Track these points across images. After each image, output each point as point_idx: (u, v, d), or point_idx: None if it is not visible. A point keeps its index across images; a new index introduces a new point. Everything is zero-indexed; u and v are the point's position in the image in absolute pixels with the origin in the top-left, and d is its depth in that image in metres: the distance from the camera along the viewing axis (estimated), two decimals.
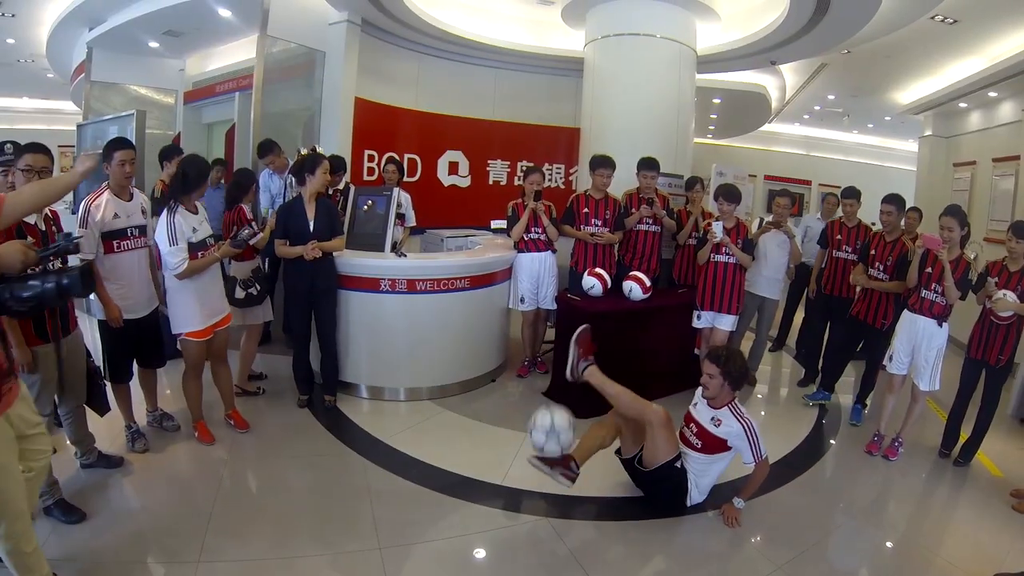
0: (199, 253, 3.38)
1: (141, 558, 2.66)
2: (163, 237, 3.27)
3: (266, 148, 5.14)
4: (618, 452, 3.41)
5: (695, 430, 3.25)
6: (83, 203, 3.20)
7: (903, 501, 3.92)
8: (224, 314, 3.63)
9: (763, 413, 5.06)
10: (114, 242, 3.24)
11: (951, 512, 3.89)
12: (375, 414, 4.20)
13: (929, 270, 4.05)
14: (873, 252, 4.54)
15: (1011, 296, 3.76)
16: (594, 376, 3.29)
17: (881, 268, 4.50)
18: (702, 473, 3.24)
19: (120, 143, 3.30)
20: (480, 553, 2.96)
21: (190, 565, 2.59)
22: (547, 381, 4.85)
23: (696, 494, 3.25)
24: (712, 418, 3.21)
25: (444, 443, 3.88)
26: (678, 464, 3.19)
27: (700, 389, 3.32)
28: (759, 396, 5.34)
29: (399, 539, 2.92)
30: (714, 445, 3.19)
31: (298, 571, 2.65)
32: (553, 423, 3.11)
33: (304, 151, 4.97)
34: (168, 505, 3.05)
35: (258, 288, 4.10)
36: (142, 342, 3.46)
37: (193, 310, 3.43)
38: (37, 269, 2.23)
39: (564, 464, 3.11)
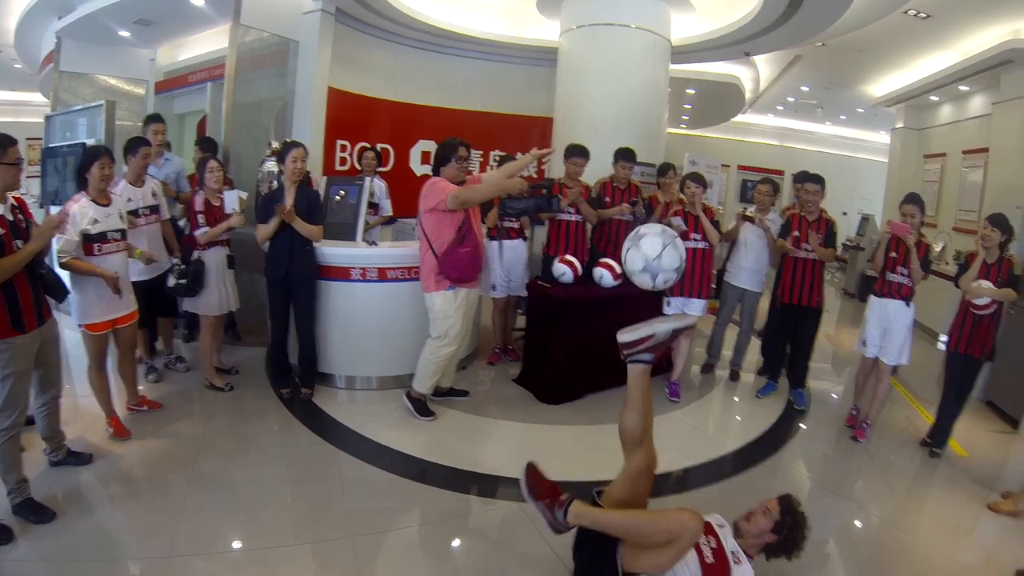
0: (96, 245, 3.31)
1: (114, 556, 2.59)
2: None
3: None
4: (599, 492, 2.74)
5: (714, 545, 2.57)
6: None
7: (871, 481, 4.01)
8: (128, 311, 3.52)
9: (735, 398, 5.15)
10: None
11: (918, 492, 3.98)
12: (348, 403, 4.19)
13: (893, 254, 4.22)
14: (796, 233, 4.62)
15: (986, 283, 3.87)
16: (584, 516, 2.49)
17: (808, 249, 4.57)
18: None
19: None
20: (452, 540, 2.96)
21: (163, 560, 2.55)
22: (518, 368, 4.88)
23: None
24: (734, 551, 2.61)
25: (416, 431, 3.88)
26: None
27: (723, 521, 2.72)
28: (730, 378, 5.44)
29: (371, 527, 2.91)
30: (720, 570, 2.53)
31: (271, 562, 2.63)
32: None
33: (276, 145, 4.92)
34: (140, 500, 3.00)
35: (186, 280, 3.97)
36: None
37: (92, 303, 3.34)
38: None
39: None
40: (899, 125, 9.84)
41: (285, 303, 4.04)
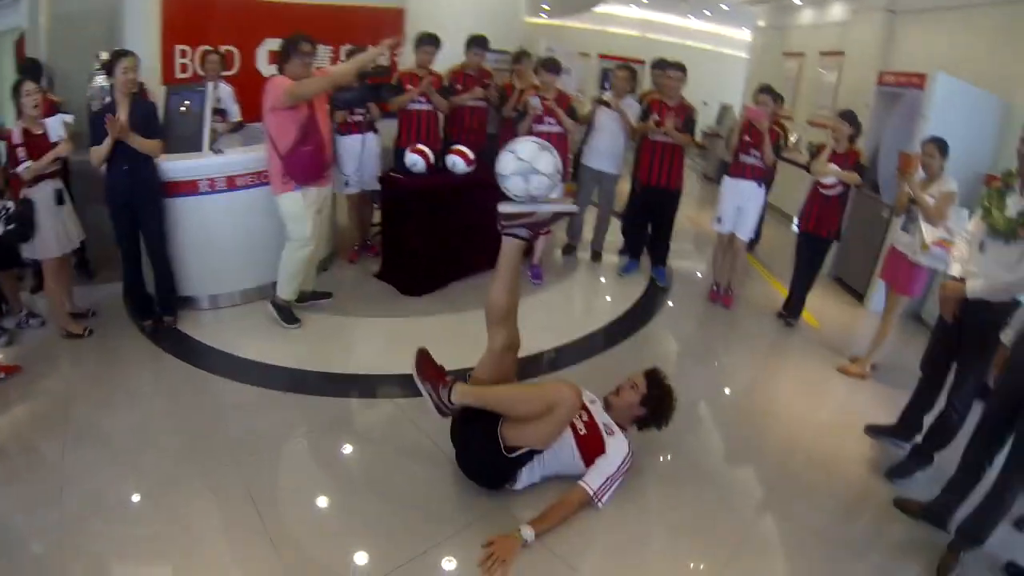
0: None
1: (5, 540, 2.30)
2: None
3: None
4: (467, 375, 2.75)
5: (586, 419, 2.74)
6: None
7: (734, 350, 4.38)
8: None
9: (599, 278, 5.40)
10: None
11: (777, 358, 4.39)
12: (214, 324, 3.97)
13: (747, 138, 4.51)
14: (656, 116, 4.80)
15: (833, 166, 4.20)
16: (467, 394, 2.55)
17: (666, 133, 4.78)
18: (551, 464, 2.69)
19: None
20: (336, 446, 2.95)
21: (56, 531, 2.31)
22: (379, 264, 4.82)
23: (525, 478, 2.69)
24: (606, 424, 2.77)
25: (285, 341, 3.80)
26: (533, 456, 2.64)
27: (593, 397, 2.89)
28: (592, 259, 5.67)
29: (255, 448, 2.84)
30: (592, 446, 2.69)
31: (163, 505, 2.48)
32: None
33: (105, 57, 4.36)
34: (18, 476, 2.64)
35: (14, 225, 3.50)
36: None
37: None
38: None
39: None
40: (761, 23, 10.15)
41: (132, 228, 3.69)
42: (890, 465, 3.17)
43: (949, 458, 2.91)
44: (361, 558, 2.33)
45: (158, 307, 3.89)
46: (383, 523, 2.50)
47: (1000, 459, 2.53)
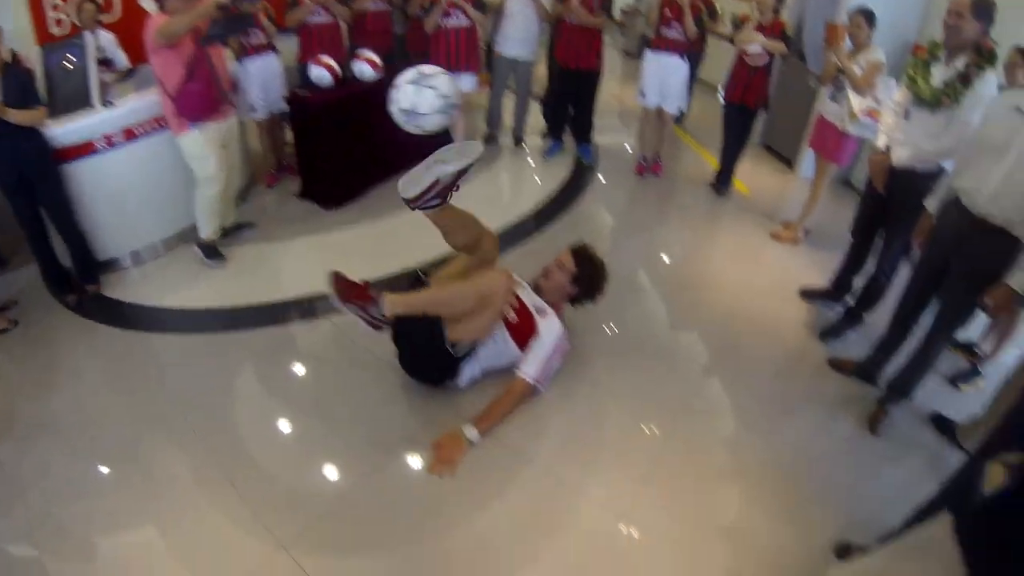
0: None
1: None
2: None
3: None
4: (422, 275, 2.83)
5: (516, 306, 2.76)
6: None
7: (668, 220, 4.48)
8: None
9: (525, 162, 5.38)
10: None
11: (711, 226, 4.48)
12: (141, 280, 3.82)
13: (668, 12, 4.47)
14: None
15: (760, 36, 4.19)
16: (398, 303, 2.51)
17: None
18: (489, 357, 2.76)
19: None
20: (285, 376, 2.96)
21: (23, 534, 2.25)
22: (298, 183, 4.72)
23: (467, 372, 2.76)
24: (537, 306, 2.80)
25: (215, 280, 3.74)
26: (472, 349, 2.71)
27: (519, 280, 2.90)
28: (515, 145, 5.63)
29: (204, 399, 2.80)
30: (525, 330, 2.74)
31: (127, 476, 2.45)
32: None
33: None
34: None
35: None
36: None
37: None
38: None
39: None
40: None
41: (31, 206, 3.46)
42: (824, 326, 3.32)
43: (878, 318, 3.07)
44: (325, 475, 2.39)
45: (78, 278, 3.73)
46: (339, 440, 2.55)
47: (925, 319, 2.66)
